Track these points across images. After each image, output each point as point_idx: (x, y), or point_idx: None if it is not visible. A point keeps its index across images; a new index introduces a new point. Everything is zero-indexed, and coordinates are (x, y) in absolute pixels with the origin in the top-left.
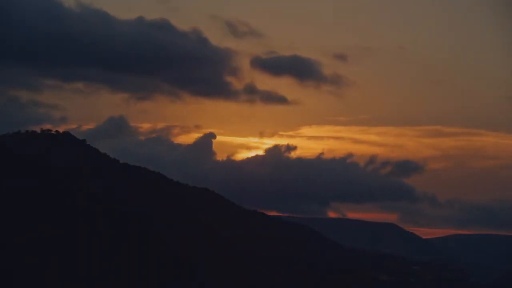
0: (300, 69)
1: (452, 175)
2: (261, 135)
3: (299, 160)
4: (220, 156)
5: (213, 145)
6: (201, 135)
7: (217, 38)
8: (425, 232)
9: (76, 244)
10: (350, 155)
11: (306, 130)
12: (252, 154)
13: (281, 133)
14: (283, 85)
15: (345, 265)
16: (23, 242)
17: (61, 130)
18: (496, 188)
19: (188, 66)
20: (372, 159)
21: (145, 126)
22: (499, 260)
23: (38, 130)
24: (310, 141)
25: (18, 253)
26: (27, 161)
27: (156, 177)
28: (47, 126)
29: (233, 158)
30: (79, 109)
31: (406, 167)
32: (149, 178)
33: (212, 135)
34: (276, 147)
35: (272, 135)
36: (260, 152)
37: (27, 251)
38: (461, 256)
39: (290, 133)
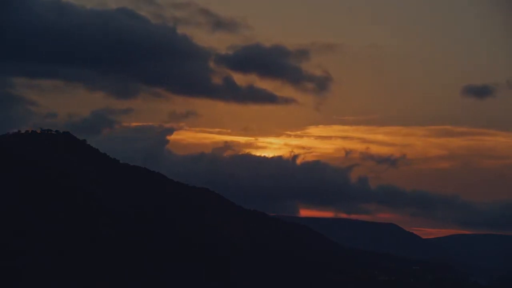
0: (289, 67)
1: (458, 174)
2: (245, 131)
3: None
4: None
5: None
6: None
7: (188, 30)
8: (425, 232)
9: (76, 244)
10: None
11: (314, 130)
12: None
13: (288, 132)
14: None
15: (345, 265)
16: (23, 241)
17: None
18: (502, 188)
19: (166, 61)
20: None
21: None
22: (499, 260)
23: (38, 130)
24: (318, 141)
25: (18, 253)
26: (27, 161)
27: (156, 177)
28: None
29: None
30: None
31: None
32: (149, 178)
33: (169, 131)
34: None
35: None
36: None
37: (27, 251)
38: (461, 256)
39: (298, 132)
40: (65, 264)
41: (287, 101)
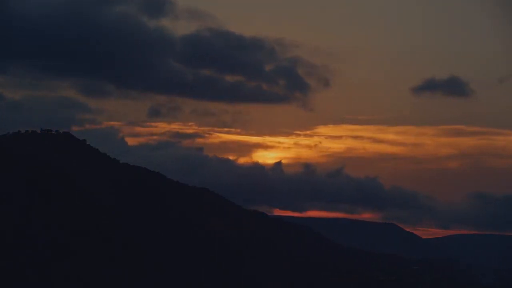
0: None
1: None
2: (254, 131)
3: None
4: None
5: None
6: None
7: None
8: (425, 232)
9: (76, 243)
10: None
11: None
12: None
13: (297, 132)
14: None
15: (345, 265)
16: (24, 241)
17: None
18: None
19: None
20: None
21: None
22: (499, 260)
23: (38, 130)
24: (328, 140)
25: (19, 252)
26: (27, 161)
27: (156, 177)
28: None
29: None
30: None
31: None
32: (149, 178)
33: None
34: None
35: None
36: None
37: (28, 250)
38: (461, 256)
39: (308, 132)
40: (65, 264)
41: (294, 100)
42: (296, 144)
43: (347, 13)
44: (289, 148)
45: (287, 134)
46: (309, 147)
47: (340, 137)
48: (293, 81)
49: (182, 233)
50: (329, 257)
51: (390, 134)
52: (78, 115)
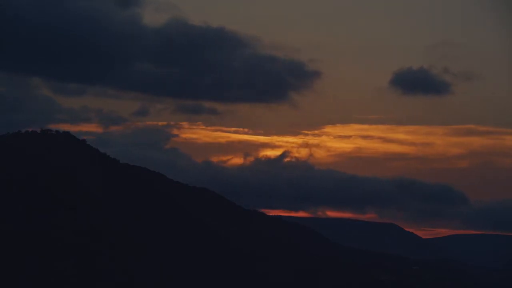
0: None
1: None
2: (262, 131)
3: None
4: None
5: None
6: None
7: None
8: (425, 232)
9: (76, 243)
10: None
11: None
12: None
13: (305, 131)
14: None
15: (345, 265)
16: (23, 240)
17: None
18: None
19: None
20: None
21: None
22: (499, 260)
23: (38, 130)
24: (336, 140)
25: (18, 252)
26: (27, 161)
27: (156, 177)
28: None
29: None
30: None
31: None
32: (149, 178)
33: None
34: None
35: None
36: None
37: (27, 250)
38: (461, 256)
39: (316, 131)
40: (65, 264)
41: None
42: (304, 143)
43: (346, 9)
44: (296, 147)
45: (294, 133)
46: (317, 146)
47: (349, 136)
48: (296, 80)
49: (182, 232)
50: (329, 257)
51: (400, 133)
52: (51, 114)
